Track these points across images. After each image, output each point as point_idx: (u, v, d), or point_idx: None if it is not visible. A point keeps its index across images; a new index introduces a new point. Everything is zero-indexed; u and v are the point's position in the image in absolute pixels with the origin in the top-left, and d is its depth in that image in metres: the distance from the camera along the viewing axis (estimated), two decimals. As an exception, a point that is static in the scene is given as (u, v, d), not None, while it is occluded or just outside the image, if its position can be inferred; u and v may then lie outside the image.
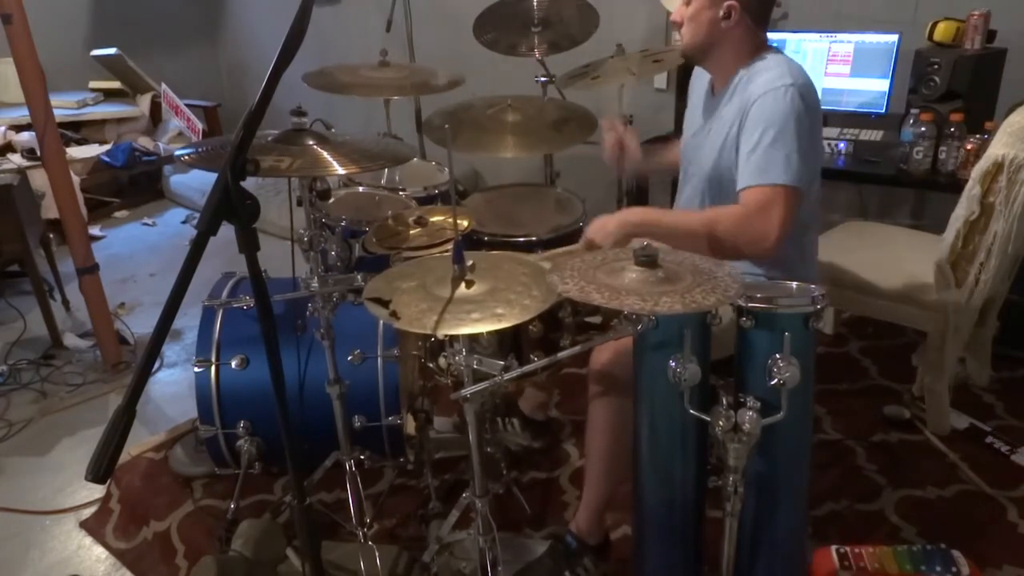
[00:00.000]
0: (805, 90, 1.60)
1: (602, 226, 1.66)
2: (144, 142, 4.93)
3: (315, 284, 1.76)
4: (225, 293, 2.12)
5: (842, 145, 2.71)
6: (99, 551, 2.11)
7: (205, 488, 2.22)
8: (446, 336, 1.84)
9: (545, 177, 2.93)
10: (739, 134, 1.65)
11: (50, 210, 3.29)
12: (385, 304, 1.39)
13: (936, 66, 2.51)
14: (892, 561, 1.57)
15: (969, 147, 2.36)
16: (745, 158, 1.61)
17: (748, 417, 1.27)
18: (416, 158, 3.00)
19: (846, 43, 2.75)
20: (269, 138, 1.61)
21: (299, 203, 1.75)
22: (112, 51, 4.92)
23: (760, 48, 1.71)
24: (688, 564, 1.55)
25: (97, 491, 2.29)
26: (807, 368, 1.32)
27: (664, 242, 1.52)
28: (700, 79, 1.89)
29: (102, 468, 1.00)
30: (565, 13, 2.79)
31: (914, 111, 2.48)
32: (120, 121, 5.01)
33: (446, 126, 2.31)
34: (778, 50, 1.73)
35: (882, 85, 2.70)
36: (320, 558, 1.35)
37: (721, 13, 1.65)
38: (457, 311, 1.34)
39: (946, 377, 2.18)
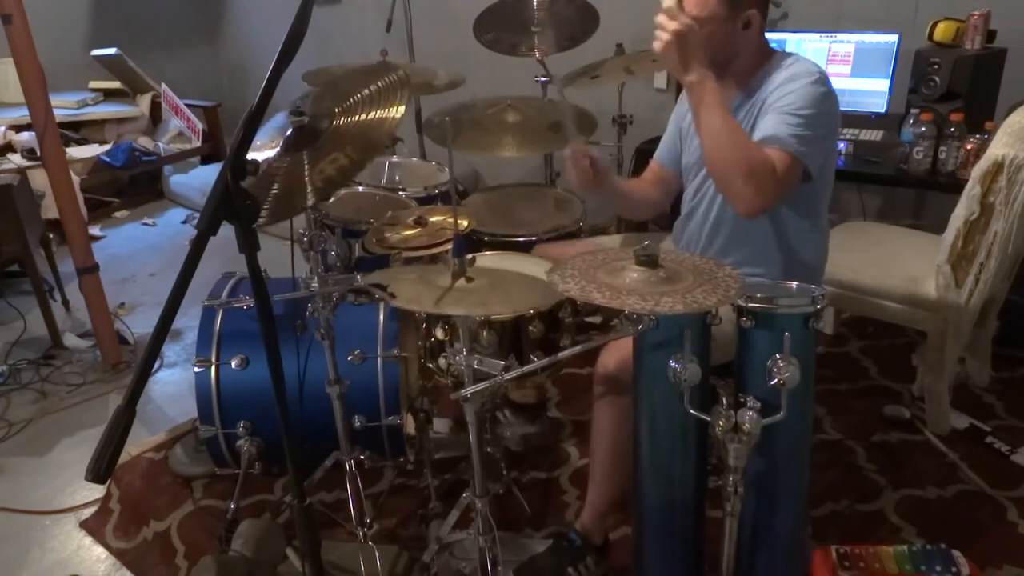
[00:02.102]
0: (829, 83, 1.61)
1: (677, 46, 1.52)
2: (144, 142, 4.93)
3: (315, 284, 1.76)
4: (225, 293, 2.12)
5: (842, 145, 2.71)
6: (99, 551, 2.11)
7: (205, 488, 2.22)
8: (446, 335, 1.84)
9: (545, 177, 2.93)
10: (762, 114, 1.61)
11: (50, 210, 3.29)
12: (383, 288, 1.38)
13: (936, 66, 2.51)
14: (892, 561, 1.57)
15: (969, 147, 2.36)
16: (771, 115, 1.57)
17: (748, 417, 1.27)
18: (416, 158, 3.00)
19: (846, 43, 2.75)
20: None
21: (299, 203, 1.75)
22: (112, 51, 4.92)
23: (766, 51, 1.71)
24: (688, 564, 1.55)
25: (97, 491, 2.29)
26: (807, 368, 1.32)
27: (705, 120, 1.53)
28: None
29: (102, 468, 1.00)
30: (565, 13, 2.79)
31: (914, 111, 2.48)
32: (120, 121, 5.01)
33: (446, 119, 2.30)
34: (781, 51, 1.73)
35: (882, 85, 2.71)
36: (320, 558, 1.35)
37: (742, 24, 1.63)
38: (456, 296, 1.34)
39: (946, 377, 2.18)
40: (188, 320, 3.04)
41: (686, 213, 1.88)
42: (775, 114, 1.57)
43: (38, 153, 2.91)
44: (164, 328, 1.03)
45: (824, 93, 1.58)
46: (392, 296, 1.35)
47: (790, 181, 1.55)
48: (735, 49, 1.66)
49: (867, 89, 2.74)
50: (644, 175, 2.03)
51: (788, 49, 2.83)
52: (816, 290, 1.35)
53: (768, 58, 1.70)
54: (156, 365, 2.91)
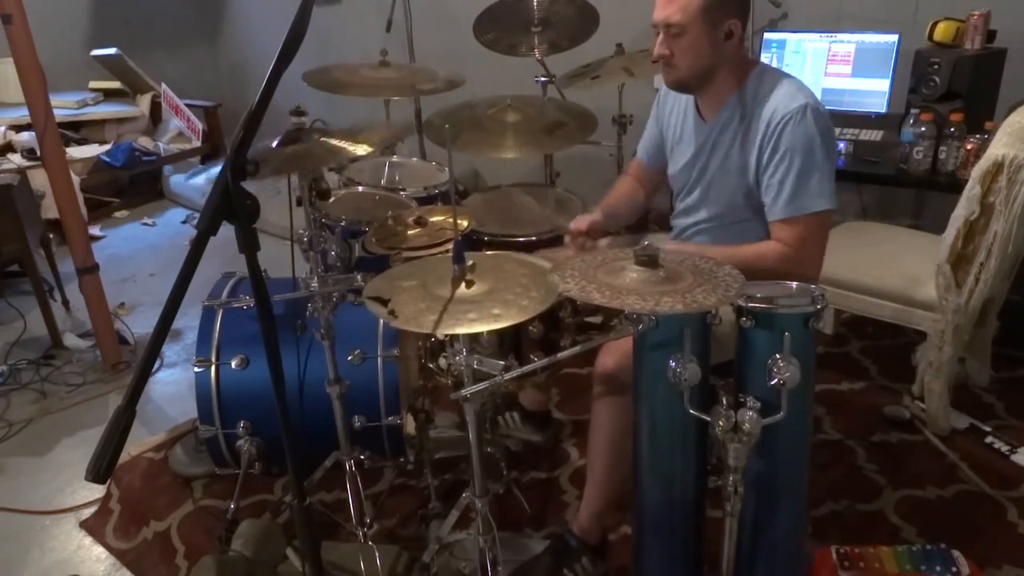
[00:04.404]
0: (818, 105, 1.61)
1: None
2: (144, 142, 4.94)
3: (315, 284, 1.76)
4: (225, 293, 2.12)
5: (842, 145, 2.71)
6: (99, 551, 2.11)
7: (205, 488, 2.22)
8: (446, 336, 1.84)
9: (545, 177, 2.93)
10: (760, 161, 1.64)
11: (50, 210, 3.29)
12: (384, 303, 1.39)
13: (936, 66, 2.51)
14: (892, 561, 1.57)
15: (969, 147, 2.36)
16: (776, 188, 1.62)
17: (748, 417, 1.27)
18: (416, 158, 3.00)
19: (846, 43, 2.75)
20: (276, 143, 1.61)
21: (299, 203, 1.75)
22: (112, 51, 4.92)
23: (747, 62, 1.71)
24: (688, 564, 1.55)
25: (97, 491, 2.29)
26: (807, 368, 1.32)
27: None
28: (676, 104, 1.86)
29: (102, 468, 1.00)
30: (565, 13, 2.79)
31: (914, 111, 2.48)
32: (120, 121, 5.01)
33: (446, 126, 2.31)
34: (760, 61, 1.74)
35: (882, 85, 2.70)
36: (320, 558, 1.35)
37: (723, 35, 1.62)
38: (456, 311, 1.35)
39: (946, 377, 2.18)
40: (188, 320, 3.04)
41: (675, 219, 1.93)
42: (786, 183, 1.59)
43: (38, 153, 2.92)
44: (164, 328, 1.03)
45: (816, 124, 1.58)
46: (393, 315, 1.35)
47: (825, 233, 1.64)
48: (718, 59, 1.65)
49: (867, 89, 2.74)
50: (629, 172, 2.08)
51: (788, 49, 2.86)
52: (816, 290, 1.35)
53: (749, 70, 1.69)
54: (156, 365, 2.91)
